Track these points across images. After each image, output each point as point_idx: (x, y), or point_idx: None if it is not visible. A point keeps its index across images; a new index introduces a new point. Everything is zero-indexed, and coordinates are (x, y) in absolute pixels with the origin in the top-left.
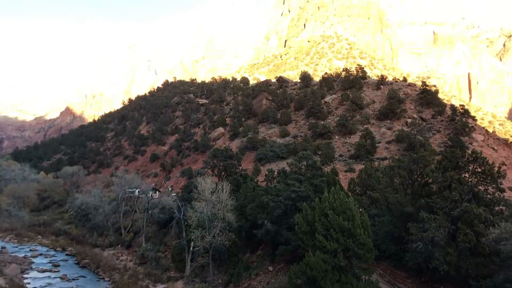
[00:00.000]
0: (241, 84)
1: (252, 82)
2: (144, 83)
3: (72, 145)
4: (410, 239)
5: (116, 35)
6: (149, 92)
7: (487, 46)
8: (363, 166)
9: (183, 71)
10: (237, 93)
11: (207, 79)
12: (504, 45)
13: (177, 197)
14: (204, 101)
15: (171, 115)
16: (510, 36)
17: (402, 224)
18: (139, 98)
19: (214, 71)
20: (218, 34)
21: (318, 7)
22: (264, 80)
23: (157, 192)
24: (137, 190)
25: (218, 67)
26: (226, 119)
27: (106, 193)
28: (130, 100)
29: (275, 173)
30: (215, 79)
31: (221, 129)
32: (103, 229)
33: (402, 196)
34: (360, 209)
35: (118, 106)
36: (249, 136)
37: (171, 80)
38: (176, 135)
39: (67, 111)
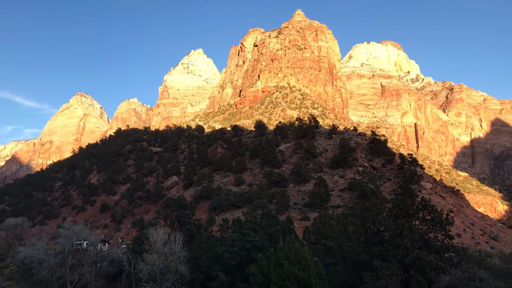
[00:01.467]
0: (196, 132)
1: (207, 130)
2: (96, 131)
3: (17, 195)
4: (364, 287)
5: (67, 81)
6: (100, 140)
7: (431, 98)
8: (317, 214)
9: (137, 119)
10: (191, 141)
11: (161, 127)
12: (447, 97)
13: (128, 249)
14: (158, 149)
15: (123, 164)
16: (452, 89)
17: (357, 273)
18: (90, 146)
19: (168, 120)
20: (173, 82)
21: (272, 59)
22: (219, 129)
23: (107, 244)
24: (85, 242)
25: (172, 115)
26: (180, 167)
27: (52, 246)
28: (80, 148)
29: (230, 222)
30: (170, 127)
31: (174, 178)
32: (47, 284)
33: (356, 244)
34: (315, 258)
35: (68, 154)
36: (204, 184)
37: (124, 128)
38: (128, 184)
39: (13, 160)
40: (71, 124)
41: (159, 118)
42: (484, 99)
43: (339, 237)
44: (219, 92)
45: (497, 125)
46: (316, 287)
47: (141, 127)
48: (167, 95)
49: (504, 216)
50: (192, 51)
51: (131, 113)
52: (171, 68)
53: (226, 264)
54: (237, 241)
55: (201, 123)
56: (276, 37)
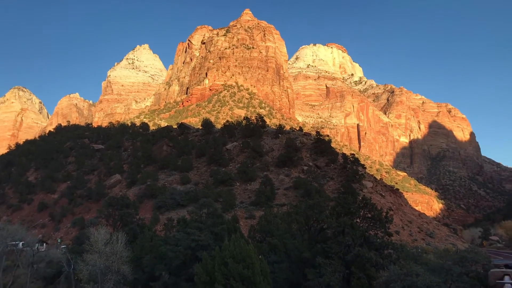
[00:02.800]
0: (141, 130)
1: (152, 128)
2: (34, 127)
3: None
4: (308, 284)
5: (3, 74)
6: (39, 136)
7: (373, 101)
8: (263, 213)
9: (78, 115)
10: (136, 139)
11: (104, 124)
12: (388, 100)
13: (67, 249)
14: (100, 146)
15: (63, 161)
16: (393, 92)
17: (300, 270)
18: (27, 142)
19: (111, 116)
20: (117, 78)
21: (220, 58)
22: (165, 126)
23: (45, 244)
24: (21, 243)
25: (116, 112)
26: (124, 165)
27: None
28: (17, 144)
29: (175, 221)
30: (113, 124)
31: (117, 176)
32: None
33: (300, 242)
34: (260, 256)
35: (3, 151)
36: (148, 183)
37: (64, 124)
38: (68, 183)
39: None
40: (7, 119)
41: (102, 114)
42: (423, 102)
43: (283, 235)
44: (165, 89)
45: (434, 127)
46: (261, 284)
47: (82, 124)
48: (110, 90)
49: (439, 214)
50: (138, 46)
51: (73, 108)
52: (116, 63)
53: (170, 264)
54: (182, 240)
55: (146, 120)
56: (224, 35)
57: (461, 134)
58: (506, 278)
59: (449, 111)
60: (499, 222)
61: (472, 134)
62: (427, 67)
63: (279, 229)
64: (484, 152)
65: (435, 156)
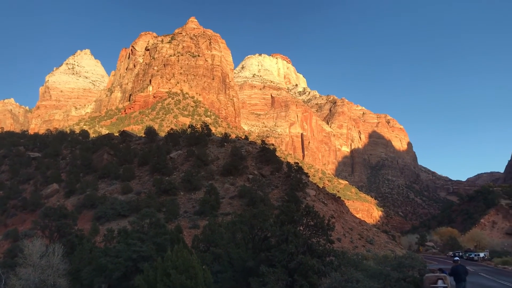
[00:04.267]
0: (80, 137)
1: (92, 135)
2: None
3: None
4: None
5: None
6: None
7: (317, 111)
8: (207, 222)
9: (13, 121)
10: (75, 147)
11: (41, 131)
12: (330, 110)
13: None
14: (37, 154)
15: None
16: (335, 102)
17: (244, 279)
18: None
19: (49, 123)
20: (55, 83)
21: (164, 65)
22: (106, 134)
23: None
24: None
25: (54, 119)
26: (62, 174)
27: None
28: None
29: (115, 232)
30: (51, 131)
31: (55, 186)
32: None
33: (244, 251)
34: (204, 266)
35: None
36: (87, 193)
37: None
38: (1, 192)
39: None
40: None
41: (39, 121)
42: (363, 113)
43: (227, 244)
44: (107, 96)
45: (374, 137)
46: None
47: (18, 130)
48: (48, 96)
49: (379, 221)
50: (79, 51)
51: (7, 114)
52: (54, 68)
53: (110, 276)
54: (123, 252)
55: (86, 128)
56: (169, 42)
57: (399, 144)
58: (439, 282)
59: (388, 122)
60: (434, 228)
61: (409, 144)
62: (367, 78)
63: (223, 239)
64: (421, 161)
65: (375, 165)
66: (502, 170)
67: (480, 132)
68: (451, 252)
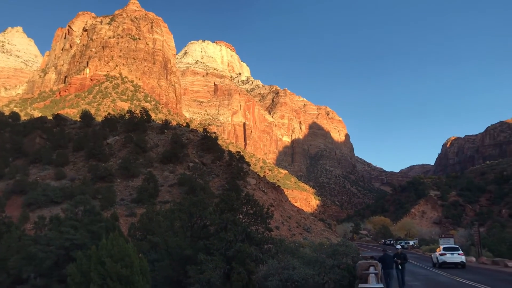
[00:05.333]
0: (10, 120)
1: (24, 118)
2: None
3: None
4: (189, 282)
5: None
6: None
7: (259, 100)
8: (145, 210)
9: None
10: (4, 130)
11: None
12: (272, 100)
13: None
14: None
15: None
16: (278, 93)
17: (182, 268)
18: None
19: None
20: None
21: (103, 47)
22: (39, 117)
23: None
24: None
25: None
26: None
27: None
28: None
29: (47, 220)
30: None
31: None
32: None
33: (182, 239)
34: (140, 255)
35: None
36: (17, 178)
37: None
38: None
39: None
40: None
41: None
42: (304, 104)
43: (165, 232)
44: (40, 77)
45: (314, 128)
46: (139, 283)
47: None
48: None
49: (316, 209)
50: (10, 28)
51: None
52: None
53: (41, 265)
54: (54, 240)
55: (16, 110)
56: (108, 23)
57: (338, 135)
58: (371, 269)
59: (328, 114)
60: (368, 217)
61: (347, 136)
62: (309, 70)
63: (161, 227)
64: (357, 153)
65: (314, 155)
66: (432, 163)
67: (413, 126)
68: (383, 240)
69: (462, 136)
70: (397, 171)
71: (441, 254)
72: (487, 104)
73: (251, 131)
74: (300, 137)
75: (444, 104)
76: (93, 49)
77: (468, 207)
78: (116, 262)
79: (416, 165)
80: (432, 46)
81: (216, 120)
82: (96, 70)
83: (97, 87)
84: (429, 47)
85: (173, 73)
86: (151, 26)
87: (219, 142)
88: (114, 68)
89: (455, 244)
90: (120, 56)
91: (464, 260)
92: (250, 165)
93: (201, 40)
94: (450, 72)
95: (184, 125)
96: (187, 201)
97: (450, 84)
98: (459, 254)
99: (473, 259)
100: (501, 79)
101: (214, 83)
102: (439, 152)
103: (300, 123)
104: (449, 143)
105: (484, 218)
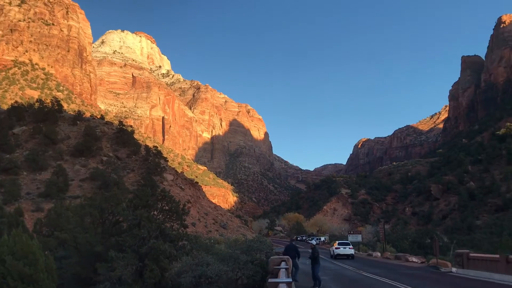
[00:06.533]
0: None
1: None
2: None
3: None
4: (98, 279)
5: None
6: None
7: (180, 95)
8: (53, 205)
9: None
10: None
11: None
12: (193, 95)
13: None
14: None
15: None
16: (199, 88)
17: (91, 265)
18: None
19: None
20: None
21: (11, 30)
22: None
23: None
24: None
25: None
26: None
27: None
28: None
29: None
30: None
31: None
32: None
33: (92, 236)
34: (46, 252)
35: None
36: None
37: None
38: None
39: None
40: None
41: None
42: (226, 101)
43: (74, 229)
44: None
45: (234, 125)
46: (44, 282)
47: None
48: None
49: (233, 206)
50: None
51: None
52: None
53: None
54: None
55: None
56: (18, 5)
57: (257, 133)
58: (283, 264)
59: (248, 112)
60: (283, 214)
61: (266, 134)
62: (231, 67)
63: (70, 223)
64: (275, 151)
65: (233, 152)
66: (345, 163)
67: (328, 127)
68: (296, 236)
69: (372, 138)
70: (312, 169)
71: (336, 248)
72: (396, 109)
73: (170, 126)
74: (220, 133)
75: (357, 107)
76: (0, 32)
77: (376, 205)
78: (19, 260)
79: (330, 164)
80: (349, 48)
81: (133, 113)
82: (2, 55)
83: (4, 73)
84: (346, 48)
85: (89, 62)
86: (67, 12)
87: (136, 136)
88: (24, 53)
89: (362, 240)
90: (30, 41)
91: (353, 253)
92: (167, 161)
93: (120, 30)
94: (365, 76)
95: (98, 117)
96: (99, 196)
97: (365, 87)
98: (349, 248)
99: (379, 254)
100: (410, 87)
101: (133, 75)
102: (351, 152)
103: (220, 119)
104: (360, 144)
105: (390, 215)
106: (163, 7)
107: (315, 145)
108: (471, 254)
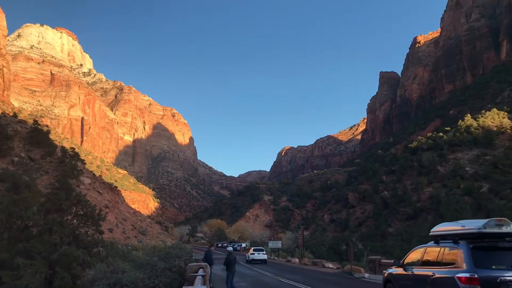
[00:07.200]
0: None
1: None
2: None
3: None
4: None
5: None
6: None
7: (101, 95)
8: None
9: None
10: None
11: None
12: (116, 96)
13: None
14: None
15: None
16: (122, 89)
17: None
18: None
19: None
20: None
21: None
22: None
23: None
24: None
25: None
26: None
27: None
28: None
29: None
30: None
31: None
32: None
33: None
34: None
35: None
36: None
37: None
38: None
39: None
40: None
41: None
42: (150, 103)
43: None
44: None
45: (158, 129)
46: None
47: None
48: None
49: (154, 212)
50: None
51: None
52: None
53: None
54: None
55: None
56: None
57: (182, 138)
58: (200, 271)
59: (173, 115)
60: (205, 220)
61: (191, 139)
62: (157, 69)
63: None
64: (200, 156)
65: (156, 157)
66: (268, 169)
67: (253, 134)
68: (217, 243)
69: (296, 146)
70: (236, 176)
71: (251, 254)
72: (319, 119)
73: (89, 127)
74: (143, 137)
75: (282, 116)
76: None
77: (296, 211)
78: None
79: (254, 170)
80: (274, 57)
81: (50, 112)
82: None
83: None
84: (271, 56)
85: (2, 56)
86: None
87: (52, 136)
88: None
89: (281, 246)
90: None
91: (265, 258)
92: (85, 164)
93: (39, 24)
94: (290, 87)
95: (11, 114)
96: (6, 200)
97: (290, 97)
98: (263, 253)
99: (297, 260)
100: (331, 98)
101: (51, 72)
102: (275, 160)
103: (144, 122)
104: (283, 152)
105: (309, 222)
106: (87, 2)
107: (240, 152)
108: (383, 260)
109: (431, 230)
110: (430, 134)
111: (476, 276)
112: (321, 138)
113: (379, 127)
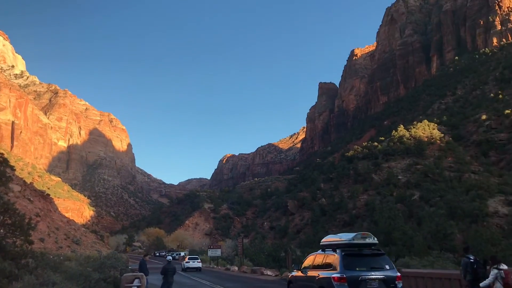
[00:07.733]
0: None
1: None
2: None
3: None
4: None
5: None
6: None
7: (34, 99)
8: None
9: None
10: None
11: None
12: (50, 100)
13: None
14: None
15: None
16: (57, 93)
17: None
18: None
19: None
20: None
21: None
22: None
23: None
24: None
25: None
26: None
27: None
28: None
29: None
30: None
31: None
32: None
33: None
34: None
35: None
36: None
37: None
38: None
39: None
40: None
41: None
42: (86, 108)
43: None
44: None
45: (95, 135)
46: None
47: None
48: None
49: (89, 221)
50: None
51: None
52: None
53: None
54: None
55: None
56: None
57: (120, 144)
58: (136, 281)
59: (111, 121)
60: (143, 229)
61: (129, 145)
62: (94, 73)
63: None
64: (138, 163)
65: (92, 164)
66: (209, 177)
67: (194, 141)
68: (154, 252)
69: (237, 154)
70: (176, 183)
71: (186, 262)
72: (260, 127)
73: (21, 132)
74: (79, 143)
75: (223, 123)
76: None
77: (237, 219)
78: None
79: (195, 178)
80: (215, 63)
81: None
82: None
83: None
84: (213, 63)
85: None
86: None
87: None
88: None
89: (221, 254)
90: None
91: (200, 266)
92: (15, 170)
93: None
94: (231, 94)
95: None
96: None
97: (232, 104)
98: (198, 262)
99: (236, 268)
100: (273, 107)
101: None
102: (216, 167)
103: (80, 128)
104: (225, 159)
105: (250, 229)
106: (19, 2)
107: (181, 160)
108: None
109: (321, 241)
110: (366, 143)
111: (344, 276)
112: (262, 146)
113: (318, 136)
